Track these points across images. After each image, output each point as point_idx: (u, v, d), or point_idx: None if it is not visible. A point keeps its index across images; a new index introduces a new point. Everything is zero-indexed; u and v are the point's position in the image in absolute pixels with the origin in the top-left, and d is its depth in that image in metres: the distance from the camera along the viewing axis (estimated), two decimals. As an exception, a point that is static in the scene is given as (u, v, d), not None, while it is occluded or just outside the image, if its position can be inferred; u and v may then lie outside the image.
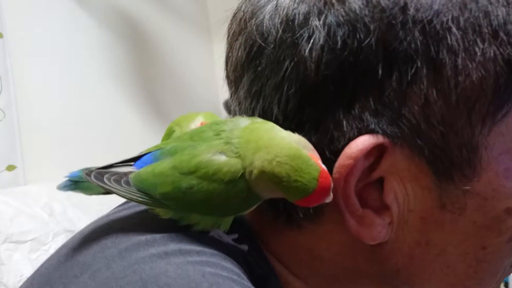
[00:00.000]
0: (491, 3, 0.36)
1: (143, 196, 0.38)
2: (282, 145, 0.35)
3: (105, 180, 0.38)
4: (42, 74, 1.46)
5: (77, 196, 1.22)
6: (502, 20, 0.36)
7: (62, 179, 0.40)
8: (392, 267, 0.41)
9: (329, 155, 0.37)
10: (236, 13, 0.43)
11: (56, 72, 1.49)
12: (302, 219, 0.40)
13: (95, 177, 0.38)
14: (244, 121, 0.38)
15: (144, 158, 0.39)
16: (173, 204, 0.38)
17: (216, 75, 1.95)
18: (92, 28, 1.60)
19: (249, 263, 0.39)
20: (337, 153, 0.37)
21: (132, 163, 0.40)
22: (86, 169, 0.39)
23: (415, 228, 0.39)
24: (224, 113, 1.86)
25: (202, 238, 0.38)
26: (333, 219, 0.40)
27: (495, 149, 0.38)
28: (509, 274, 0.44)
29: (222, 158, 0.36)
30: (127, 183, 0.38)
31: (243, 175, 0.36)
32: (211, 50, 1.98)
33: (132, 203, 0.43)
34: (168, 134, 0.49)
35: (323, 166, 0.35)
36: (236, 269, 0.36)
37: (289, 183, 0.35)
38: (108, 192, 0.39)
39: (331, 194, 0.35)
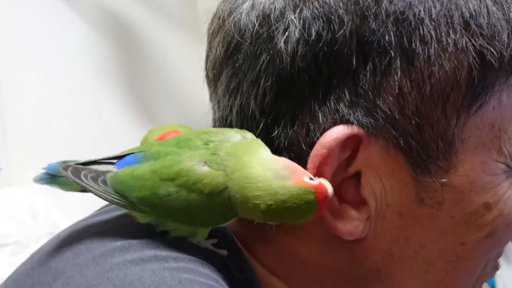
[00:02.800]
0: None
1: (120, 198, 0.37)
2: (269, 192, 0.34)
3: (81, 177, 0.37)
4: (27, 73, 1.44)
5: (62, 199, 1.21)
6: (473, 12, 0.37)
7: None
8: (372, 265, 0.40)
9: (305, 147, 0.37)
10: (215, 13, 0.43)
11: (42, 72, 1.48)
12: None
13: (72, 173, 0.37)
14: (234, 135, 0.37)
15: (126, 158, 0.38)
16: (149, 210, 0.37)
17: (204, 76, 1.94)
18: (79, 27, 1.58)
19: (229, 268, 0.38)
20: (312, 145, 0.37)
21: (115, 161, 0.38)
22: (64, 162, 0.38)
23: (393, 224, 0.39)
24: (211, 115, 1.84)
25: (179, 244, 0.37)
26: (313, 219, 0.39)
27: (471, 142, 0.38)
28: (491, 277, 0.44)
29: (205, 169, 0.35)
30: (104, 182, 0.37)
31: (224, 189, 0.35)
32: (201, 51, 1.96)
33: (111, 207, 0.42)
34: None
35: (310, 181, 0.34)
36: (214, 275, 0.36)
37: (292, 217, 0.34)
38: (84, 190, 0.38)
39: (329, 191, 0.35)
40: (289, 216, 0.34)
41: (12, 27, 1.42)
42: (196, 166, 0.35)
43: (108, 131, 1.58)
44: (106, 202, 0.40)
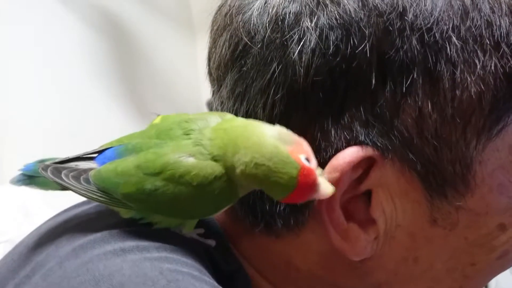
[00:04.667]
0: (493, 12, 0.34)
1: (104, 196, 0.36)
2: (259, 144, 0.32)
3: (62, 176, 0.36)
4: (19, 70, 1.43)
5: (53, 197, 1.20)
6: (505, 31, 0.34)
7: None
8: (374, 281, 0.39)
9: None
10: (222, 7, 0.40)
11: (34, 69, 1.48)
12: (281, 229, 0.38)
13: (52, 173, 0.36)
14: (214, 119, 0.36)
15: (106, 153, 0.37)
16: (135, 205, 0.36)
17: (198, 73, 1.95)
18: (73, 25, 1.58)
19: (215, 259, 0.37)
20: (324, 164, 0.35)
21: (95, 155, 0.37)
22: (42, 161, 0.37)
23: (403, 244, 0.37)
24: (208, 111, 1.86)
25: (163, 233, 0.36)
26: (314, 230, 0.37)
27: (489, 164, 0.36)
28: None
29: (190, 160, 0.34)
30: (87, 180, 0.36)
31: (213, 179, 0.34)
32: (194, 48, 1.97)
33: None
34: None
35: (305, 162, 0.32)
36: (197, 264, 0.35)
37: (269, 183, 0.32)
38: (65, 188, 0.37)
39: (322, 189, 0.32)
40: (267, 180, 0.32)
41: (5, 24, 1.41)
42: (182, 158, 0.34)
43: (101, 128, 1.59)
44: None
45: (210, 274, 0.35)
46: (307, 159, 0.32)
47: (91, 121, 1.60)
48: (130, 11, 1.77)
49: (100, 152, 0.37)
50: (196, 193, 0.34)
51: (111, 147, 0.37)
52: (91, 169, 0.36)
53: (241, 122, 0.35)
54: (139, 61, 1.80)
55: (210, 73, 0.41)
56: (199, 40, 1.99)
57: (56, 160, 0.37)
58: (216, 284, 0.34)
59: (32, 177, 0.37)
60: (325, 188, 0.33)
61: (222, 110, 0.39)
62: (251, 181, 0.33)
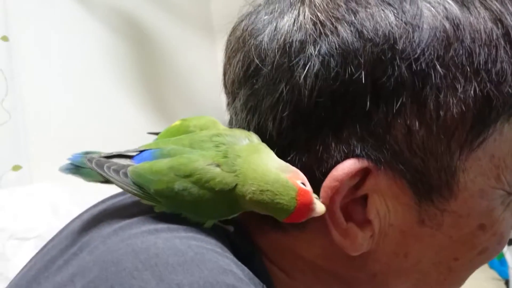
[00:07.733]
0: (474, 42, 0.38)
1: (138, 190, 0.41)
2: (263, 174, 0.38)
3: (104, 169, 0.41)
4: (47, 75, 1.47)
5: (80, 195, 1.25)
6: (483, 59, 0.38)
7: (67, 178, 0.43)
8: (369, 272, 0.43)
9: (318, 175, 0.40)
10: (235, 29, 0.45)
11: (61, 74, 1.50)
12: (287, 225, 0.42)
13: (96, 165, 0.41)
14: (243, 139, 0.40)
15: (143, 154, 0.42)
16: (164, 201, 0.40)
17: (218, 76, 1.96)
18: (96, 31, 1.61)
19: (234, 243, 0.41)
20: (325, 173, 0.40)
21: (134, 154, 0.42)
22: (87, 153, 0.42)
23: (395, 241, 0.41)
24: (227, 115, 1.86)
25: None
26: (315, 227, 0.42)
27: (471, 172, 0.40)
28: None
29: (217, 169, 0.39)
30: (125, 174, 0.41)
31: (232, 188, 0.38)
32: (215, 51, 1.98)
33: (120, 193, 0.46)
34: (182, 132, 0.48)
35: (301, 185, 0.37)
36: (219, 244, 0.39)
37: (273, 206, 0.37)
38: (106, 181, 0.41)
39: (317, 208, 0.38)
40: (271, 202, 0.37)
41: (31, 31, 1.45)
42: (210, 166, 0.39)
43: (126, 131, 1.60)
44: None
45: (230, 253, 0.39)
46: (303, 184, 0.38)
47: (114, 122, 1.61)
48: (152, 16, 1.77)
49: (138, 152, 0.42)
50: (216, 197, 0.39)
51: (148, 149, 0.42)
52: (130, 165, 0.41)
53: (259, 151, 0.39)
54: (160, 65, 1.81)
55: (225, 86, 0.46)
56: (219, 43, 2.00)
57: (101, 155, 0.42)
58: (236, 260, 0.38)
59: (78, 167, 0.42)
60: (320, 207, 0.38)
61: (236, 119, 0.44)
62: (258, 206, 0.38)
